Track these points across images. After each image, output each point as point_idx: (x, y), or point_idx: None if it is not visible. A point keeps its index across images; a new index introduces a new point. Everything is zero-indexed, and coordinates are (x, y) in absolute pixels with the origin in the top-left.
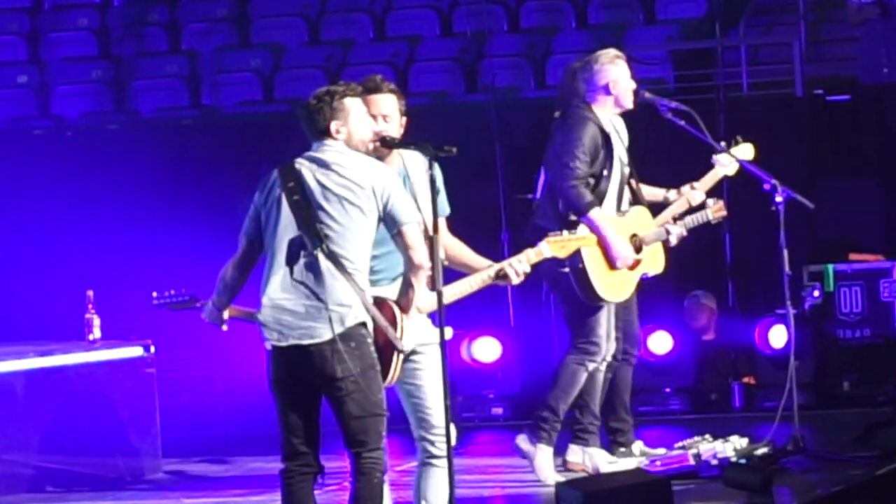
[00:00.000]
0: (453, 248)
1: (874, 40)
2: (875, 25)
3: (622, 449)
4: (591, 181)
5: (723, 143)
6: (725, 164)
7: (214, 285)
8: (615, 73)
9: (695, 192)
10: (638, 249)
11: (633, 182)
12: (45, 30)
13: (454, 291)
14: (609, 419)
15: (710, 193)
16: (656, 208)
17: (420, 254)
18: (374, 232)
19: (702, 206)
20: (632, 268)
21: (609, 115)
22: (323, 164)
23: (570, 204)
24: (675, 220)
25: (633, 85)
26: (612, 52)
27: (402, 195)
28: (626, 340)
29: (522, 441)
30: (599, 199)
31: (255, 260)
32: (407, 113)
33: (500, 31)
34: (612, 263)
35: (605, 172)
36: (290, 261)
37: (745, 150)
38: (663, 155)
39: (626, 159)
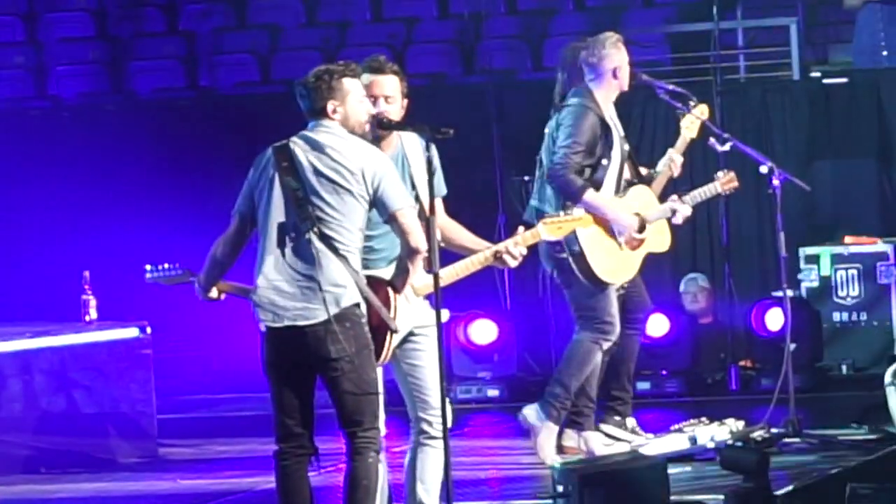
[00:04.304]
0: (449, 229)
1: (871, 24)
2: (871, 9)
3: (617, 418)
4: (588, 170)
5: (689, 104)
6: (688, 126)
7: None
8: (619, 57)
9: (673, 156)
10: (641, 229)
11: (633, 160)
12: (42, 10)
13: (451, 273)
14: (612, 387)
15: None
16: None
17: (416, 237)
18: (366, 215)
19: (711, 180)
20: (635, 247)
21: (611, 99)
22: (316, 146)
23: (563, 191)
24: (680, 196)
25: (629, 67)
26: (615, 35)
27: (395, 180)
28: (633, 308)
29: (531, 413)
30: (596, 187)
31: (247, 237)
32: (406, 95)
33: (497, 13)
34: (615, 239)
35: (603, 161)
36: (284, 242)
37: (703, 110)
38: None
39: (623, 135)
